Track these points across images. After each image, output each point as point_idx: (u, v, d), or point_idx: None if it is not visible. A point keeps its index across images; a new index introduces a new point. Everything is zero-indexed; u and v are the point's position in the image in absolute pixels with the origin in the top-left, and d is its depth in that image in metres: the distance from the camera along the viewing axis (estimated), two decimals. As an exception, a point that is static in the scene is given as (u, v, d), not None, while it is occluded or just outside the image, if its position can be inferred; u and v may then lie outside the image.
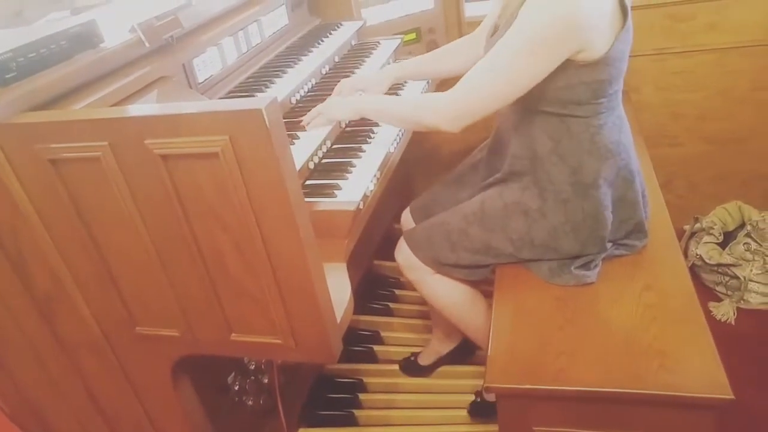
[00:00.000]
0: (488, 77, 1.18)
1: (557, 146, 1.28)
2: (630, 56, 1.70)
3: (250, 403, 1.44)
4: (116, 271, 1.00)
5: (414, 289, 1.60)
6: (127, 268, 0.99)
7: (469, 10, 2.09)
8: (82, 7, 1.41)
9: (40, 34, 1.03)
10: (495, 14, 1.37)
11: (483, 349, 1.63)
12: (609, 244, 1.35)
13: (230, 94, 1.45)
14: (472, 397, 1.73)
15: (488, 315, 1.56)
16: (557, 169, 1.29)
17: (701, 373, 1.10)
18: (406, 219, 1.73)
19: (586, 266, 1.33)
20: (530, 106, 1.26)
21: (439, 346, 1.85)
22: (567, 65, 1.17)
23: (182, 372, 1.15)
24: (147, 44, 1.15)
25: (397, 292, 2.16)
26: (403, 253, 1.49)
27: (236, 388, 1.43)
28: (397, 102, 1.38)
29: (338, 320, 1.00)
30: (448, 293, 1.51)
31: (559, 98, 1.23)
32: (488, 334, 1.54)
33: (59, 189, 0.92)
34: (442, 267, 1.45)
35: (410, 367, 1.88)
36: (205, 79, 1.42)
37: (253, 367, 1.48)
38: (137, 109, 1.01)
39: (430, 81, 1.74)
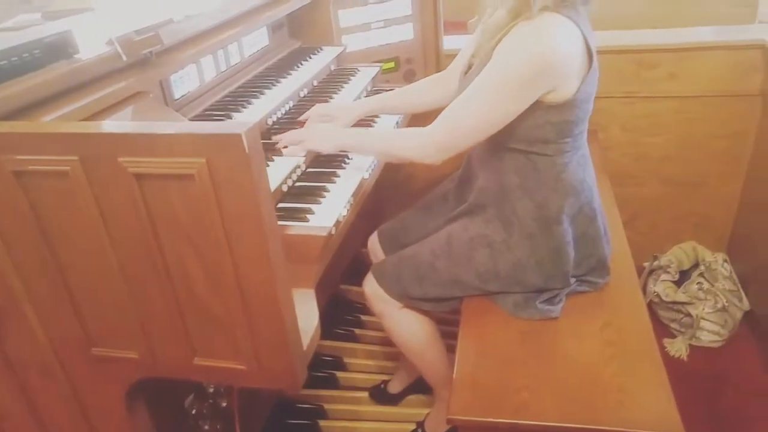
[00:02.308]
0: (466, 114, 1.22)
1: (523, 182, 1.31)
2: (601, 97, 1.76)
3: (207, 428, 1.41)
4: (76, 289, 0.97)
5: (380, 316, 1.59)
6: (88, 287, 0.96)
7: (447, 43, 2.13)
8: (57, 12, 1.37)
9: (13, 42, 1.01)
10: (468, 53, 1.41)
11: (435, 388, 1.66)
12: (573, 280, 1.38)
13: (206, 112, 1.44)
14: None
15: (445, 357, 1.59)
16: (522, 204, 1.32)
17: (656, 411, 1.13)
18: (374, 244, 1.73)
19: (550, 301, 1.36)
20: (500, 142, 1.29)
21: (407, 374, 1.85)
22: (536, 106, 1.21)
23: (137, 395, 1.11)
24: (124, 58, 1.13)
25: (363, 317, 2.15)
26: (371, 285, 1.50)
27: (193, 412, 1.39)
28: (379, 137, 1.41)
29: (304, 347, 0.99)
30: (410, 330, 1.52)
31: (527, 137, 1.26)
32: (443, 375, 1.57)
33: (21, 202, 0.89)
34: (410, 300, 1.46)
35: (379, 394, 1.87)
36: (182, 96, 1.40)
37: (212, 391, 1.45)
38: (113, 125, 1.00)
39: (402, 116, 1.75)
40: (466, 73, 1.37)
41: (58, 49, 1.07)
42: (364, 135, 1.42)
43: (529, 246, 1.33)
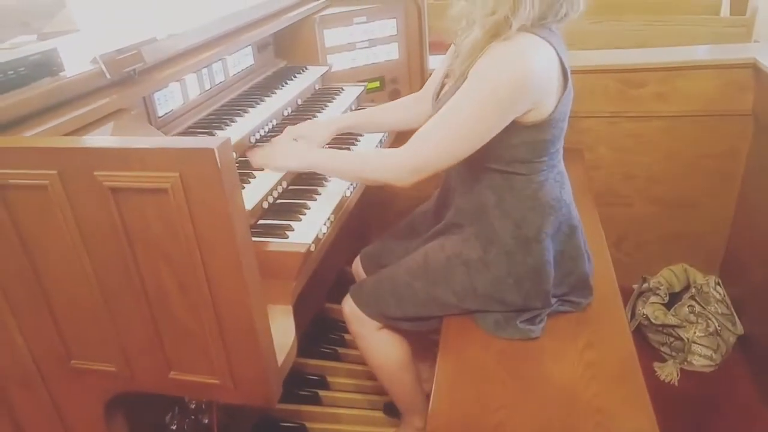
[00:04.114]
0: (440, 135, 1.22)
1: (500, 201, 1.32)
2: (587, 116, 1.75)
3: (187, 444, 1.40)
4: (55, 301, 0.98)
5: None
6: (67, 300, 0.97)
7: (433, 63, 2.15)
8: (49, 33, 1.41)
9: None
10: (442, 72, 1.41)
11: (404, 413, 1.65)
12: (554, 300, 1.38)
13: (189, 130, 1.46)
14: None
15: (417, 383, 1.59)
16: (501, 222, 1.32)
17: (637, 433, 1.12)
18: (357, 268, 1.74)
19: (531, 321, 1.36)
20: (476, 162, 1.30)
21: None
22: (513, 126, 1.21)
23: (116, 409, 1.11)
24: (108, 76, 1.16)
25: (347, 336, 2.13)
26: (350, 305, 1.50)
27: (174, 427, 1.39)
28: (350, 158, 1.40)
29: (279, 364, 1.00)
30: (385, 352, 1.52)
31: (504, 156, 1.27)
32: (412, 401, 1.58)
33: (2, 215, 0.90)
34: (388, 320, 1.46)
35: (393, 409, 1.81)
36: (165, 114, 1.42)
37: (193, 407, 1.45)
38: (89, 140, 1.02)
39: (386, 134, 1.76)
40: (438, 93, 1.38)
41: (43, 67, 1.09)
42: (336, 156, 1.41)
43: (506, 264, 1.33)
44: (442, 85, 1.38)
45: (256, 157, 1.40)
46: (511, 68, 1.15)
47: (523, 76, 1.15)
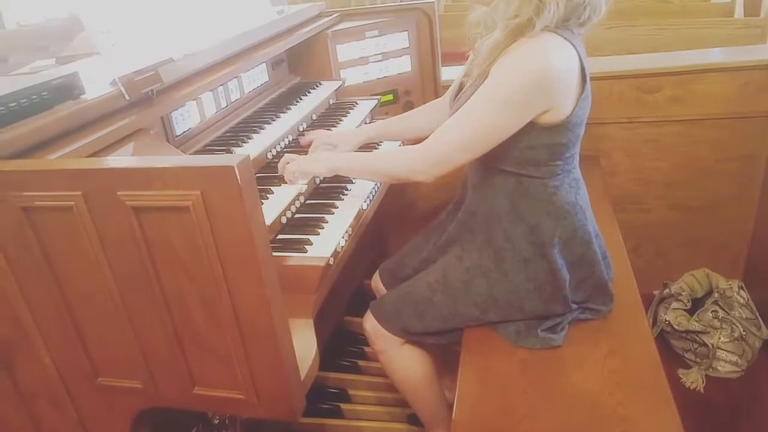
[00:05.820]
0: (459, 129, 1.23)
1: (515, 205, 1.31)
2: (603, 122, 1.72)
3: (211, 460, 1.41)
4: (81, 320, 1.00)
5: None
6: (92, 318, 0.99)
7: (446, 74, 2.16)
8: (68, 57, 1.45)
9: (23, 85, 1.06)
10: (460, 75, 1.42)
11: (427, 427, 1.65)
12: (574, 306, 1.37)
13: (207, 148, 1.48)
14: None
15: (441, 397, 1.58)
16: (515, 227, 1.32)
17: (663, 441, 1.11)
18: (377, 283, 1.74)
19: (552, 329, 1.35)
20: (490, 164, 1.30)
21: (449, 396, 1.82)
22: (530, 127, 1.21)
23: (142, 426, 1.12)
24: (127, 97, 1.18)
25: (367, 349, 2.13)
26: (371, 323, 1.50)
27: (198, 443, 1.40)
28: (371, 157, 1.43)
29: (302, 377, 1.01)
30: (409, 367, 1.52)
31: (519, 158, 1.27)
32: (436, 415, 1.57)
33: (29, 236, 0.93)
34: (411, 336, 1.46)
35: (417, 420, 1.80)
36: (183, 132, 1.44)
37: (216, 422, 1.45)
38: (112, 160, 1.04)
39: (404, 141, 1.78)
40: (456, 94, 1.38)
41: (65, 91, 1.12)
42: (359, 157, 1.44)
43: (524, 270, 1.33)
44: (461, 87, 1.38)
45: (281, 163, 1.42)
46: (532, 66, 1.15)
47: (544, 74, 1.15)
